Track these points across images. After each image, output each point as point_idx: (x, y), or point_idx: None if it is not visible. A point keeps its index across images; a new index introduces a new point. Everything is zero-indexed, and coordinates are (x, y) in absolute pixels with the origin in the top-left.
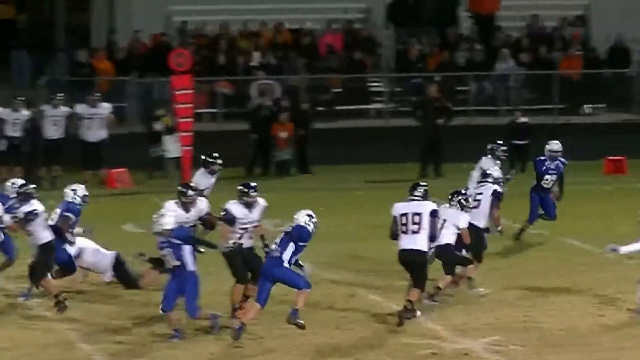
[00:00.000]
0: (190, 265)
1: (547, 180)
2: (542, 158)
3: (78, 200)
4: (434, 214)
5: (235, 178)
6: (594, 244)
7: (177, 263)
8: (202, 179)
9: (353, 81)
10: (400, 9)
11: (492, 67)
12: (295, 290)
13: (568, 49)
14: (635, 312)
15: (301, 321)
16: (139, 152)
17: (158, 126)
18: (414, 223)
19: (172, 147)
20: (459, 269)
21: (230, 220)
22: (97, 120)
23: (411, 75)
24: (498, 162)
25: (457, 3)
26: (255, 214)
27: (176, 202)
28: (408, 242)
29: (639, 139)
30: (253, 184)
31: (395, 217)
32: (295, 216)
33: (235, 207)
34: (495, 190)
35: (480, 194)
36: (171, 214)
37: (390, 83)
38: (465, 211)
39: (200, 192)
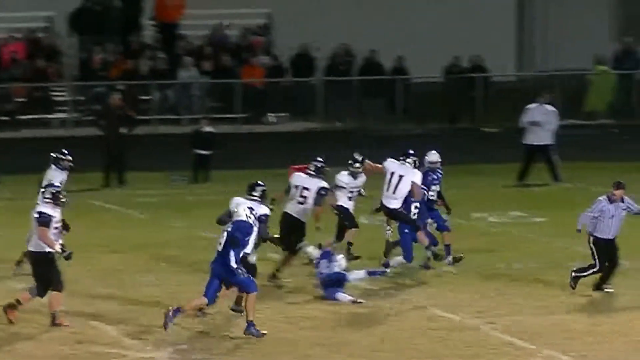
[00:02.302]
0: None
1: (433, 192)
2: (424, 171)
3: None
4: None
5: None
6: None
7: None
8: (56, 175)
9: (37, 90)
10: (83, 17)
11: (175, 76)
12: (245, 294)
13: (251, 57)
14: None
15: (262, 332)
16: None
17: None
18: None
19: None
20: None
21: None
22: None
23: (94, 83)
24: None
25: (141, 11)
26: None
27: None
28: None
29: (322, 147)
30: None
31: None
32: (234, 210)
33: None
34: (321, 187)
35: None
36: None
37: (73, 92)
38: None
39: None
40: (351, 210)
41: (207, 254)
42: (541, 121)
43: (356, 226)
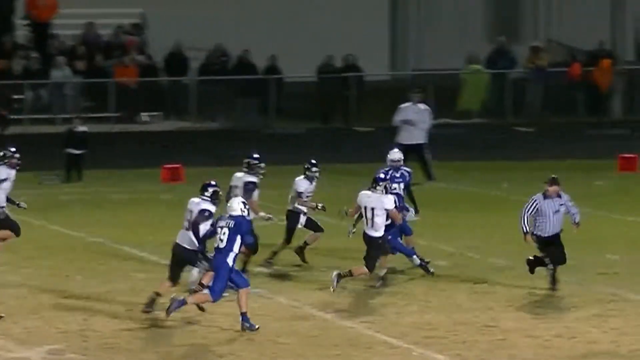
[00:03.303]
0: None
1: (395, 189)
2: (385, 169)
3: None
4: (201, 212)
5: None
6: (151, 252)
7: None
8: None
9: None
10: None
11: (49, 75)
12: (237, 289)
13: (124, 57)
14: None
15: (256, 325)
16: None
17: None
18: (185, 220)
19: None
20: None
21: None
22: None
23: None
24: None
25: (13, 11)
26: None
27: None
28: (181, 235)
29: (196, 147)
30: None
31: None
32: (228, 205)
33: None
34: (246, 182)
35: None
36: None
37: None
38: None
39: None
40: (309, 215)
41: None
42: (414, 120)
43: (321, 230)
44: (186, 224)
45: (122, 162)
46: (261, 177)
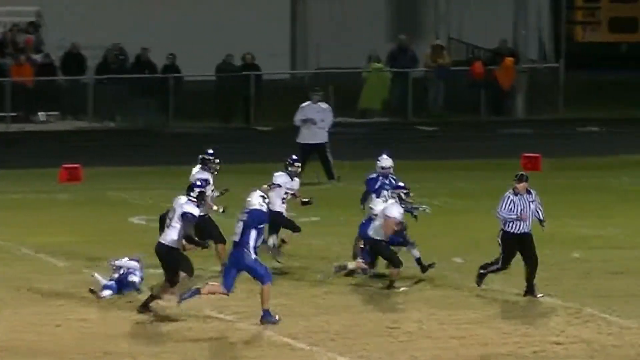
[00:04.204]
0: None
1: (384, 196)
2: (374, 176)
3: None
4: (184, 216)
5: None
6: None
7: None
8: None
9: None
10: None
11: None
12: (259, 284)
13: (20, 55)
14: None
15: (276, 317)
16: None
17: None
18: (169, 218)
19: None
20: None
21: None
22: None
23: None
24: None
25: None
26: None
27: None
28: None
29: (94, 147)
30: None
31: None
32: (248, 199)
33: None
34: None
35: None
36: None
37: None
38: (403, 204)
39: None
40: (284, 214)
41: None
42: (315, 119)
43: (298, 229)
44: (169, 221)
45: (19, 162)
46: (215, 172)
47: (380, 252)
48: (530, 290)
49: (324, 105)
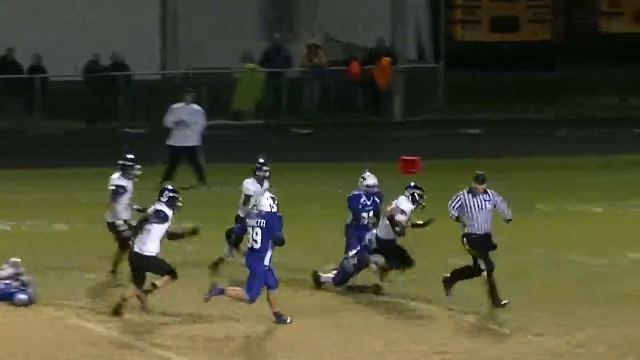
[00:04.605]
0: None
1: (364, 217)
2: (357, 193)
3: None
4: (156, 213)
5: None
6: None
7: None
8: None
9: None
10: None
11: None
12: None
13: None
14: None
15: (287, 318)
16: None
17: None
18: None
19: None
20: None
21: None
22: None
23: None
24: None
25: None
26: None
27: None
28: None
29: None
30: None
31: None
32: (258, 201)
33: None
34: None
35: None
36: None
37: None
38: (416, 204)
39: None
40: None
41: None
42: (187, 121)
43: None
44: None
45: None
46: (135, 178)
47: (392, 251)
48: (495, 302)
49: (195, 107)
